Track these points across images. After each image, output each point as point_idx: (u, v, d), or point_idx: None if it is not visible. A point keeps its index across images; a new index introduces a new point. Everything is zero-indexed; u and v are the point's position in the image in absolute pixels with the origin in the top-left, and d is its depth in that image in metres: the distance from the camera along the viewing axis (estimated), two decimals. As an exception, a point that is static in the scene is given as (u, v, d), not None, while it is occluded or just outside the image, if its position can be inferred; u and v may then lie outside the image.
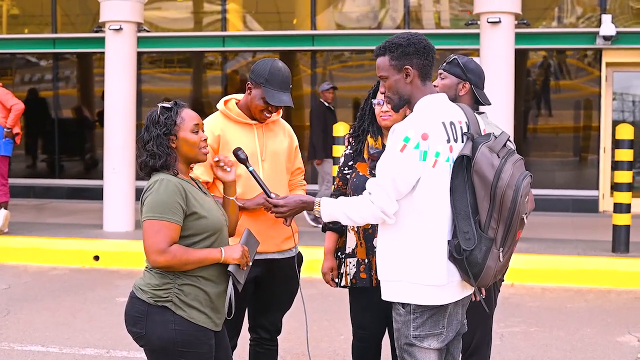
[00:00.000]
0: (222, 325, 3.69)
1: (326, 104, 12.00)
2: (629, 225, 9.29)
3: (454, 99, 4.20)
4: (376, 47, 3.53)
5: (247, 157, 4.04)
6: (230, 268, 3.56)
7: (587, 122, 13.55)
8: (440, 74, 4.31)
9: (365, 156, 4.35)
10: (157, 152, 3.52)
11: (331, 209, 3.53)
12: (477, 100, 4.31)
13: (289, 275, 4.33)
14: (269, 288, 4.40)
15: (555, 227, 11.48)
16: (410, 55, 3.44)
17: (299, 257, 4.53)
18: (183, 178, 3.59)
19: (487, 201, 3.33)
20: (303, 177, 4.67)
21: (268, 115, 4.31)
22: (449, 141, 3.39)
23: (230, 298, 3.60)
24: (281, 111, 4.53)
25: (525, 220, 3.38)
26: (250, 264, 3.68)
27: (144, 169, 3.59)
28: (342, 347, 6.36)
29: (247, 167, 4.02)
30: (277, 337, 4.60)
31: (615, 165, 9.42)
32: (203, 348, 3.54)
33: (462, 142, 3.44)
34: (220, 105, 4.41)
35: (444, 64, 4.32)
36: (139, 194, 12.11)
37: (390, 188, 3.35)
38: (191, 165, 3.73)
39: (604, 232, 10.18)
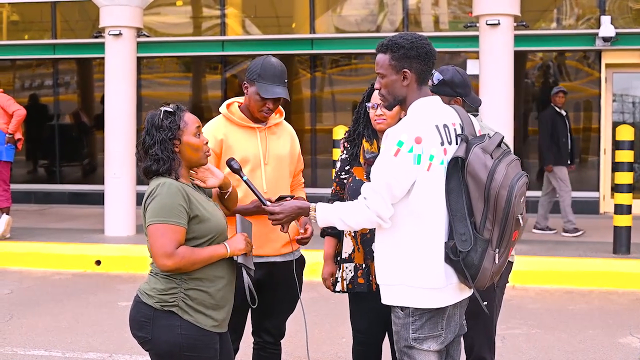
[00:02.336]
0: (226, 327, 3.70)
1: (556, 109, 11.34)
2: (629, 227, 9.30)
3: None
4: (379, 43, 3.51)
5: (240, 167, 4.01)
6: (239, 259, 3.58)
7: (587, 123, 13.56)
8: None
9: (362, 160, 4.35)
10: (162, 157, 3.51)
11: (327, 214, 3.53)
12: (469, 106, 4.33)
13: (290, 278, 4.31)
14: (271, 292, 4.39)
15: (556, 229, 11.48)
16: (411, 59, 3.44)
17: (301, 261, 4.53)
18: (183, 182, 3.60)
19: (482, 202, 3.32)
20: (301, 174, 4.71)
21: (267, 113, 4.28)
22: (442, 144, 3.39)
23: (249, 287, 3.63)
24: (283, 113, 4.52)
25: (521, 221, 3.37)
26: (253, 247, 3.68)
27: (149, 174, 3.57)
28: (343, 350, 6.37)
29: (241, 177, 3.98)
30: (281, 341, 4.60)
31: (616, 167, 9.43)
32: (209, 352, 3.55)
33: (457, 144, 3.43)
34: (222, 108, 4.40)
35: (430, 87, 4.31)
36: (140, 198, 12.12)
37: (385, 192, 3.35)
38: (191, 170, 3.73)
39: (605, 234, 10.19)
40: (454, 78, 4.30)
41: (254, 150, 4.28)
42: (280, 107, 4.53)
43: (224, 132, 4.28)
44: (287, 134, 4.52)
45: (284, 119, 4.56)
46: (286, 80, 4.31)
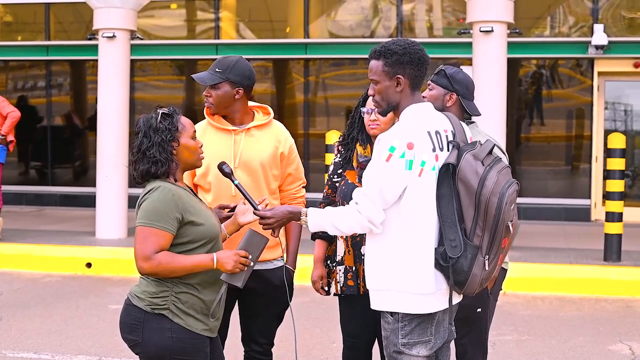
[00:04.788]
0: (217, 332, 3.69)
1: None
2: (620, 234, 9.32)
3: (441, 110, 4.21)
4: (372, 50, 3.51)
5: (231, 171, 3.93)
6: (222, 277, 3.54)
7: (579, 131, 13.59)
8: (429, 84, 4.32)
9: (355, 164, 4.36)
10: (160, 159, 3.50)
11: (318, 219, 3.53)
12: (466, 111, 4.32)
13: (273, 285, 4.22)
14: (253, 298, 4.28)
15: (547, 236, 11.51)
16: (404, 65, 3.44)
17: (287, 270, 4.35)
18: (180, 185, 3.59)
19: (472, 209, 3.33)
20: (301, 186, 4.49)
21: (207, 104, 4.25)
22: (434, 150, 3.39)
23: (220, 299, 3.59)
24: (271, 113, 4.42)
25: (511, 228, 3.38)
26: (252, 264, 3.59)
27: (145, 177, 3.55)
28: (334, 355, 6.36)
29: (232, 181, 3.92)
30: (271, 350, 4.50)
31: (607, 174, 9.45)
32: (199, 356, 3.54)
33: (448, 150, 3.44)
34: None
35: (432, 75, 4.33)
36: (131, 201, 12.13)
37: (377, 198, 3.35)
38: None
39: (596, 241, 10.21)
40: (456, 74, 4.29)
41: (226, 153, 4.19)
42: (268, 108, 4.44)
43: (201, 135, 4.19)
44: (272, 136, 4.36)
45: (280, 122, 4.49)
46: (218, 70, 4.23)
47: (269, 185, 4.31)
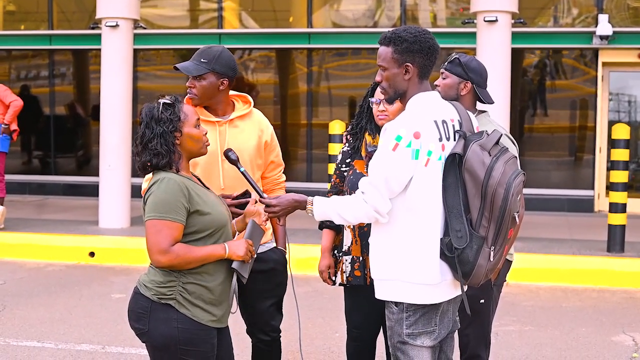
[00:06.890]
0: (226, 322, 3.68)
1: None
2: (624, 225, 9.31)
3: (456, 98, 4.21)
4: (382, 36, 3.49)
5: (237, 158, 3.91)
6: (234, 265, 3.53)
7: (583, 121, 13.57)
8: (442, 73, 4.31)
9: (363, 154, 4.35)
10: (161, 151, 3.46)
11: (324, 208, 3.51)
12: (480, 99, 4.32)
13: (269, 266, 4.26)
14: (252, 282, 4.11)
15: (551, 227, 11.50)
16: (414, 53, 3.43)
17: (280, 251, 4.42)
18: (184, 175, 3.56)
19: (478, 199, 3.31)
20: (281, 172, 4.55)
21: (190, 95, 4.18)
22: (440, 139, 3.38)
23: (234, 294, 3.60)
24: (251, 102, 4.40)
25: (517, 219, 3.37)
26: (255, 255, 3.63)
27: (147, 169, 3.52)
28: (336, 345, 6.36)
29: (239, 168, 3.90)
30: (279, 337, 4.48)
31: (611, 165, 9.44)
32: (205, 346, 3.52)
33: (455, 140, 3.42)
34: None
35: (446, 64, 4.32)
36: (134, 190, 12.10)
37: (383, 187, 3.34)
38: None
39: (599, 232, 10.21)
40: (470, 62, 4.29)
41: (212, 145, 4.05)
42: (248, 96, 4.42)
43: None
44: (254, 125, 4.36)
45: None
46: (203, 60, 4.17)
47: (253, 175, 4.26)
